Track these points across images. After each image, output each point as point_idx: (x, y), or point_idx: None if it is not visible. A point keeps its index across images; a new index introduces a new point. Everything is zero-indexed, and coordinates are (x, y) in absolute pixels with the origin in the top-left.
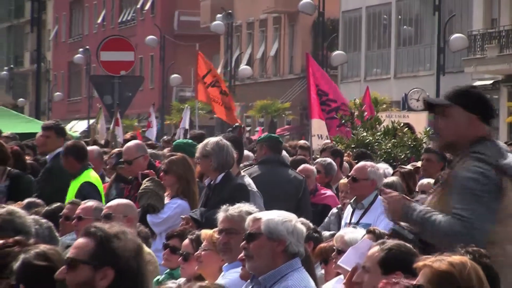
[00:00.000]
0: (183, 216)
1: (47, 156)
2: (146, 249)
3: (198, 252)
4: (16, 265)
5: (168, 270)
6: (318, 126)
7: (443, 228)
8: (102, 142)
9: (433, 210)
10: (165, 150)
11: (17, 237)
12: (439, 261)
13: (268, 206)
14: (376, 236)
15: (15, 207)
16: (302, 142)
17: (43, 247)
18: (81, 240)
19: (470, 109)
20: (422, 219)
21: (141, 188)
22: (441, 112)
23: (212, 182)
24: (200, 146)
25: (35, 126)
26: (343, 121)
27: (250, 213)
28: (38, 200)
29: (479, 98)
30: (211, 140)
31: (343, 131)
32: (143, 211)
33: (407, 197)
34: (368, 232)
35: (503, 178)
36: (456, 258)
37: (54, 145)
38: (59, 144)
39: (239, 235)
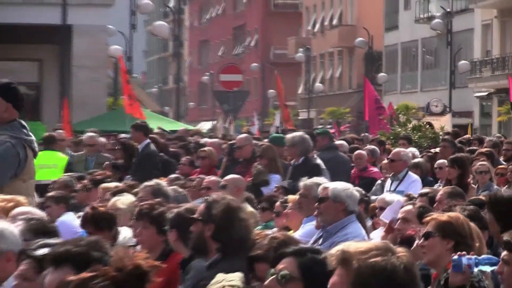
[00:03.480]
0: (277, 185)
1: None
2: (249, 208)
3: (285, 210)
4: (170, 215)
5: (264, 223)
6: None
7: None
8: (220, 136)
9: None
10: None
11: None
12: (441, 215)
13: (332, 179)
14: (410, 198)
15: (160, 181)
16: (355, 135)
17: (189, 205)
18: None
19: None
20: None
21: (256, 169)
22: None
23: (296, 163)
24: (288, 137)
25: (175, 126)
26: (385, 121)
27: (320, 184)
28: (180, 176)
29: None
30: (297, 133)
31: (385, 128)
32: (257, 184)
33: None
34: (406, 195)
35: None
36: (452, 213)
37: (140, 139)
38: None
39: (312, 199)
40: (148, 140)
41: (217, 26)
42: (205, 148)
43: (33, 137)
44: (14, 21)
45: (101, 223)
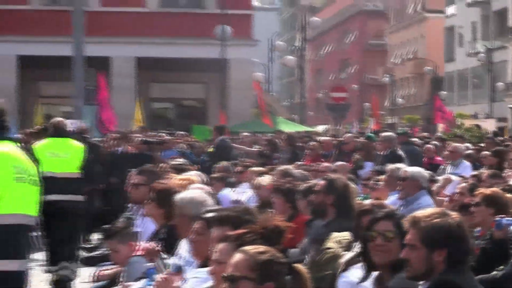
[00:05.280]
0: (372, 169)
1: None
2: (352, 185)
3: (378, 186)
4: (301, 188)
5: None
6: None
7: None
8: (331, 135)
9: None
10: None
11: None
12: (486, 190)
13: (409, 165)
14: (464, 178)
15: (289, 166)
16: (426, 134)
17: (313, 182)
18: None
19: None
20: None
21: (355, 158)
22: None
23: (385, 153)
24: (381, 135)
25: (300, 128)
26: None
27: (401, 168)
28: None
29: None
30: (386, 133)
31: (446, 129)
32: (356, 168)
33: None
34: (461, 177)
35: None
36: (494, 189)
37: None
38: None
39: (396, 178)
40: (222, 137)
41: (328, 59)
42: (312, 143)
43: None
44: (188, 55)
45: None
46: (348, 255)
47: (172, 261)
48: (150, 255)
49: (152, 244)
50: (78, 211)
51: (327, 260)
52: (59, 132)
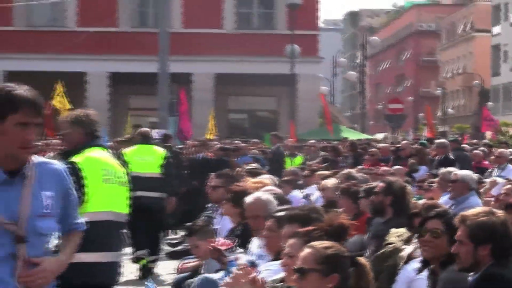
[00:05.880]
0: (427, 173)
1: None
2: (408, 187)
3: (431, 187)
4: (363, 189)
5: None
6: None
7: None
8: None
9: None
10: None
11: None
12: None
13: (460, 169)
14: (509, 180)
15: (351, 170)
16: (474, 141)
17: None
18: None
19: None
20: None
21: (410, 162)
22: None
23: (439, 158)
24: (436, 142)
25: (361, 136)
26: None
27: (453, 172)
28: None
29: None
30: (441, 140)
31: (493, 137)
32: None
33: None
34: (506, 179)
35: None
36: None
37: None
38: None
39: (448, 181)
40: (277, 144)
41: (386, 74)
42: (372, 149)
43: None
44: (261, 71)
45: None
46: (408, 249)
47: (245, 256)
48: (214, 254)
49: (223, 242)
50: (159, 206)
51: (388, 253)
52: (144, 139)
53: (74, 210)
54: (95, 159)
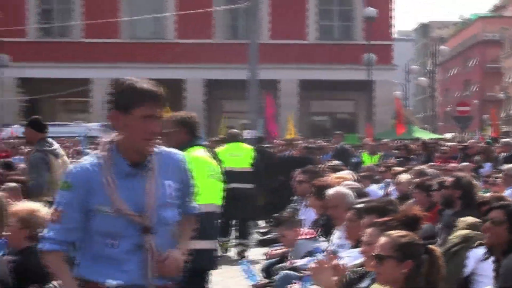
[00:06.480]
0: (494, 169)
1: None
2: (475, 181)
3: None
4: (436, 182)
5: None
6: None
7: None
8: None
9: None
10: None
11: (425, 177)
12: None
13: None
14: None
15: (423, 167)
16: None
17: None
18: None
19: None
20: None
21: (476, 159)
22: None
23: (506, 155)
24: (502, 141)
25: (431, 135)
26: None
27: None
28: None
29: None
30: (506, 139)
31: None
32: (476, 168)
33: None
34: None
35: None
36: None
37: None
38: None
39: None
40: (341, 143)
41: (454, 79)
42: (445, 147)
43: (53, 147)
44: (340, 78)
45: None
46: (477, 236)
47: (327, 244)
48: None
49: (307, 231)
50: (250, 197)
51: (458, 240)
52: (234, 138)
53: (191, 197)
54: (200, 157)
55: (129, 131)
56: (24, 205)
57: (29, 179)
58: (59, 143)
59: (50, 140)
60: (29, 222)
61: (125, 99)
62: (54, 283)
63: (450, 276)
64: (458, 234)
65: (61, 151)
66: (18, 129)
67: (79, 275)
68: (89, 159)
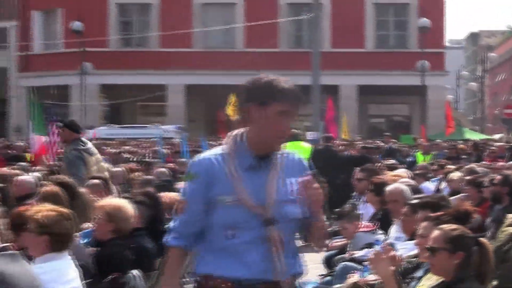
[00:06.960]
0: None
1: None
2: None
3: None
4: (487, 179)
5: None
6: None
7: None
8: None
9: None
10: None
11: (475, 175)
12: None
13: None
14: None
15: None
16: None
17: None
18: None
19: (70, 129)
20: None
21: None
22: None
23: None
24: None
25: (481, 136)
26: None
27: None
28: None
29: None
30: None
31: None
32: None
33: None
34: None
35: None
36: None
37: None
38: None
39: None
40: (389, 144)
41: (502, 84)
42: (493, 147)
43: (87, 146)
44: (396, 83)
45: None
46: None
47: (384, 237)
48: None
49: (366, 225)
50: None
51: (507, 239)
52: (294, 138)
53: None
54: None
55: (263, 125)
56: (110, 201)
57: (68, 174)
58: (137, 144)
59: (84, 139)
60: (115, 216)
61: (264, 92)
62: (134, 272)
63: (503, 274)
64: (506, 231)
65: (95, 150)
66: (100, 131)
67: (201, 273)
68: (213, 150)
